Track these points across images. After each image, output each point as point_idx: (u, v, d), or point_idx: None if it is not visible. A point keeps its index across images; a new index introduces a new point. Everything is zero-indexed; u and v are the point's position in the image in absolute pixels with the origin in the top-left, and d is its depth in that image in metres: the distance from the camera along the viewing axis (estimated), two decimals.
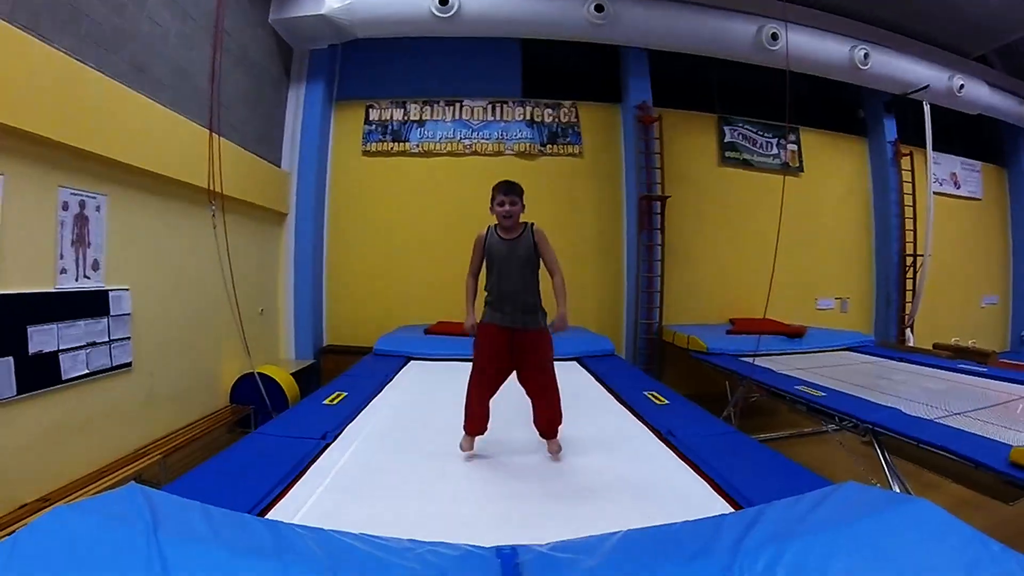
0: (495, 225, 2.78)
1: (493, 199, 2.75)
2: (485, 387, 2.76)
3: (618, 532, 1.66)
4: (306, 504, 2.21)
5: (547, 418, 2.78)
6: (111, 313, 4.19)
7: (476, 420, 2.74)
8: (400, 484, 2.52)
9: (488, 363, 2.75)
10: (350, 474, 2.58)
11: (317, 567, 1.43)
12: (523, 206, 2.78)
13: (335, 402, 3.75)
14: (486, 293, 2.78)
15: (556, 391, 2.82)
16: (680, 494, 2.41)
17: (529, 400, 2.86)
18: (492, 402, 2.86)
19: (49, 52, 3.57)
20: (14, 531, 1.86)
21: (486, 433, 2.84)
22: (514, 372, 2.87)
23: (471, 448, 2.73)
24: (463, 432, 2.79)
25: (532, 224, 2.77)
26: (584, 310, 7.90)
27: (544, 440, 2.82)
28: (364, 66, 8.07)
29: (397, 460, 2.83)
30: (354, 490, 2.41)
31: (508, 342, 2.70)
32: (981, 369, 5.38)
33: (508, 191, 2.69)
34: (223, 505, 1.81)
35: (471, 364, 2.84)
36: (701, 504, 2.28)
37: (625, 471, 2.69)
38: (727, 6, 7.45)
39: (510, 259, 2.67)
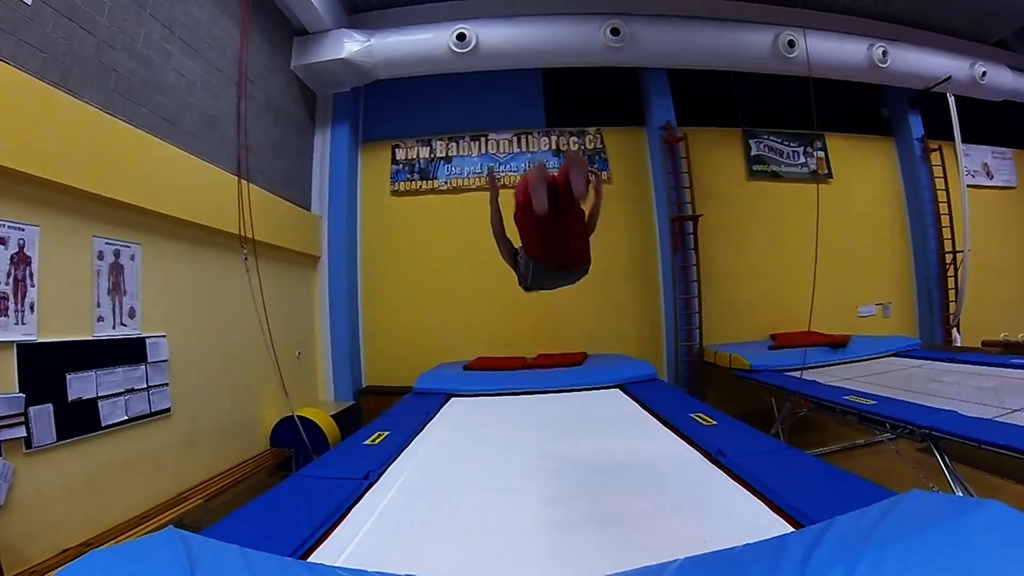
0: None
1: None
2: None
3: (675, 560, 1.55)
4: (349, 546, 2.13)
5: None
6: (148, 360, 4.23)
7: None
8: (445, 523, 2.42)
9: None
10: (394, 514, 2.50)
11: None
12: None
13: (377, 442, 3.68)
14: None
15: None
16: (737, 516, 2.29)
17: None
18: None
19: (79, 106, 3.68)
20: None
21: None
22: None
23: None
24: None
25: None
26: (623, 335, 7.79)
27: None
28: (388, 106, 8.20)
29: (441, 498, 2.74)
30: (398, 531, 2.32)
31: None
32: None
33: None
34: (264, 549, 1.75)
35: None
36: (760, 525, 2.15)
37: (678, 496, 2.57)
38: (740, 18, 7.44)
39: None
